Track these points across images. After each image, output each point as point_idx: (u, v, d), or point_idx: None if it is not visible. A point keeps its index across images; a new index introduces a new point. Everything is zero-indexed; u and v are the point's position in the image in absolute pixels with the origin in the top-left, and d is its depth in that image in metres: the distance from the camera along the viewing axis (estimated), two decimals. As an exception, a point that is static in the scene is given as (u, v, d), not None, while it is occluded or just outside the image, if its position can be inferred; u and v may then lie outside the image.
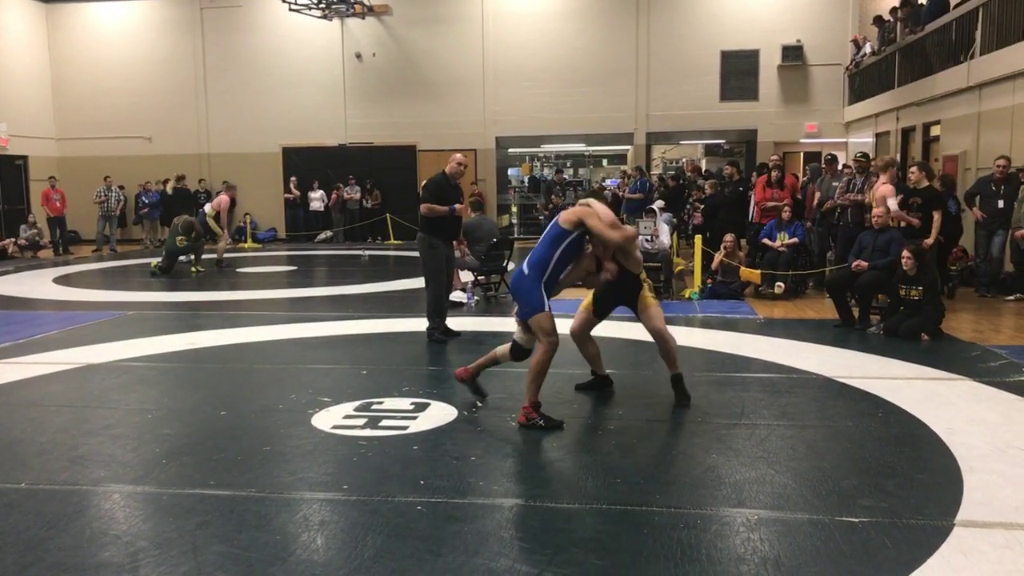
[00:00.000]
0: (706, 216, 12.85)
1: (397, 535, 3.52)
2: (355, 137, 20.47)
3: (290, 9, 18.82)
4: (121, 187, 19.18)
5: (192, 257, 13.83)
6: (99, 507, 3.92)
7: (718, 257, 10.39)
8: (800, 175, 13.09)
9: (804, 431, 4.93)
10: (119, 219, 19.45)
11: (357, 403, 5.53)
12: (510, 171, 21.39)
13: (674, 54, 19.23)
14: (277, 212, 20.74)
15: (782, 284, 10.02)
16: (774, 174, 10.94)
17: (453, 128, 19.70)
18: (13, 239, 17.96)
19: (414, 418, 5.19)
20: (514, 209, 21.21)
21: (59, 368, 6.69)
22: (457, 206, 7.51)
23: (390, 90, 20.21)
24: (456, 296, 9.72)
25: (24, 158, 20.14)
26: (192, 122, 21.01)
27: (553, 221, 5.21)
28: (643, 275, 5.53)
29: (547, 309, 4.99)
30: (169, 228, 14.11)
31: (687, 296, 10.12)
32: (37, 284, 12.78)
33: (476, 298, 9.98)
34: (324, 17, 19.38)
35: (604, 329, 8.17)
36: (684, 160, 19.80)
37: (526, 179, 21.38)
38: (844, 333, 7.87)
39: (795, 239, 10.30)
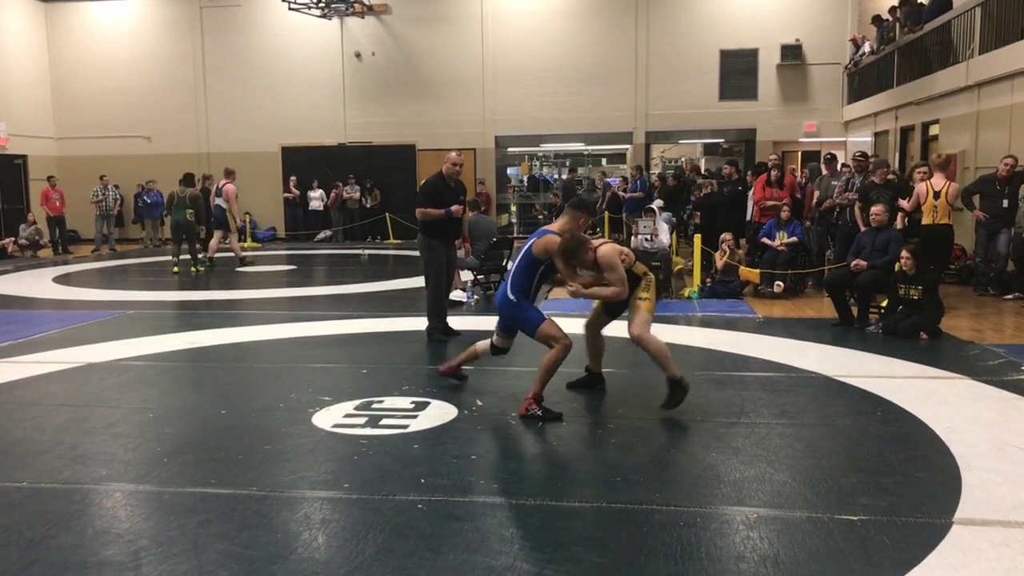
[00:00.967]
0: (700, 215, 12.87)
1: (398, 533, 3.53)
2: (354, 136, 20.48)
3: (289, 8, 18.82)
4: (116, 186, 19.15)
5: (189, 256, 13.78)
6: (100, 506, 3.93)
7: (721, 257, 10.40)
8: (798, 174, 13.09)
9: (803, 430, 4.94)
10: (117, 218, 19.43)
11: (357, 402, 5.54)
12: (509, 170, 21.40)
13: (673, 53, 19.24)
14: (276, 211, 20.75)
15: (781, 283, 10.04)
16: (773, 173, 10.95)
17: (452, 127, 19.71)
18: (13, 238, 17.97)
19: (414, 417, 5.20)
20: (513, 208, 21.22)
21: (59, 367, 6.70)
22: (454, 208, 7.48)
23: (389, 89, 20.21)
24: (456, 295, 9.73)
25: (23, 157, 20.14)
26: (191, 121, 21.01)
27: (528, 245, 5.30)
28: (643, 270, 5.40)
29: (546, 318, 5.23)
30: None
31: (686, 295, 10.13)
32: (37, 283, 12.79)
33: (476, 297, 9.99)
34: (323, 16, 19.39)
35: (603, 328, 8.21)
36: (683, 159, 19.80)
37: (525, 178, 21.39)
38: (843, 332, 7.88)
39: (794, 238, 10.31)
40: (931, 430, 4.85)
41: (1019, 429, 4.86)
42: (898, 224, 9.23)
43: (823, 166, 11.54)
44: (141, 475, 4.29)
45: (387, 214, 19.64)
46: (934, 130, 13.57)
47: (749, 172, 12.64)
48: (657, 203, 11.70)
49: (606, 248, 5.20)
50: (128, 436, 4.95)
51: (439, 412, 5.30)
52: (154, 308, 10.06)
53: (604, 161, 22.44)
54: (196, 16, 20.75)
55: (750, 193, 11.56)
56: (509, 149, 20.87)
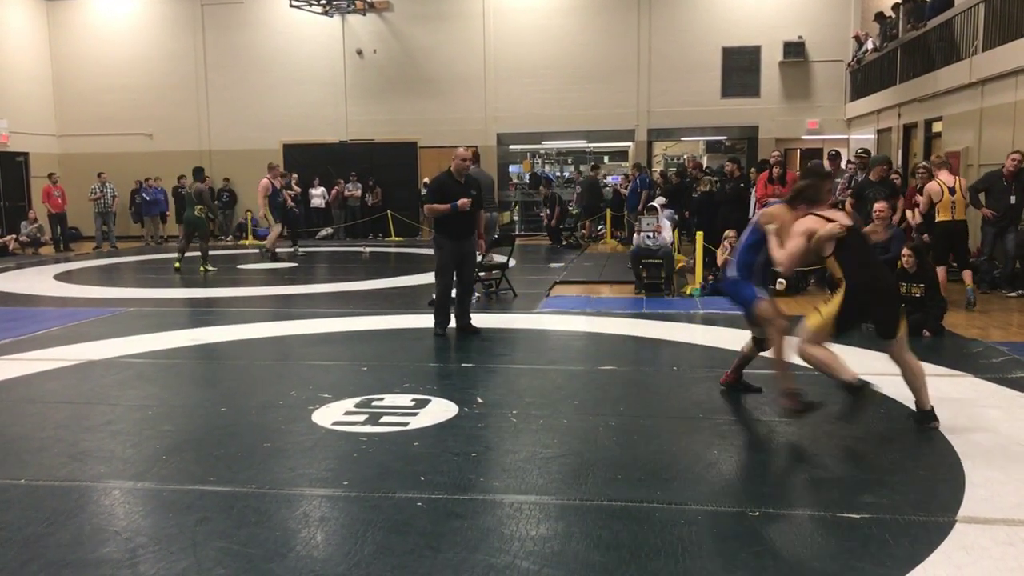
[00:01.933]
0: (701, 213, 12.83)
1: (397, 531, 3.51)
2: (356, 134, 20.45)
3: (291, 5, 18.79)
4: (111, 185, 19.05)
5: (200, 253, 13.74)
6: (99, 503, 3.92)
7: (722, 254, 10.37)
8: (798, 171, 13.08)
9: (805, 427, 4.91)
10: (116, 215, 19.39)
11: (358, 399, 5.52)
12: (511, 168, 21.34)
13: (675, 50, 19.19)
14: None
15: (783, 280, 9.99)
16: (775, 171, 10.91)
17: (454, 125, 19.67)
18: (14, 235, 17.97)
19: (415, 414, 5.18)
20: (515, 206, 21.18)
21: (59, 364, 6.68)
22: (460, 202, 7.40)
23: (391, 87, 20.18)
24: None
25: (25, 155, 20.12)
26: (193, 119, 20.98)
27: (752, 224, 5.18)
28: (839, 276, 4.75)
29: (762, 296, 5.06)
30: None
31: (689, 293, 10.11)
32: (38, 281, 12.78)
33: (478, 295, 9.95)
34: (325, 13, 19.35)
35: (605, 326, 8.20)
36: (685, 156, 19.76)
37: (527, 176, 21.35)
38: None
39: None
40: (935, 428, 4.82)
41: (1023, 427, 4.83)
42: (915, 220, 9.22)
43: (826, 163, 11.49)
44: (140, 472, 4.27)
45: (388, 211, 19.61)
46: (937, 127, 13.52)
47: (752, 169, 12.60)
48: (659, 200, 11.67)
49: (811, 219, 4.78)
50: (127, 433, 4.93)
51: (440, 410, 5.27)
52: (155, 305, 10.04)
53: (607, 159, 22.38)
54: (197, 13, 20.72)
55: (752, 190, 11.53)
56: (511, 146, 20.84)
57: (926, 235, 9.43)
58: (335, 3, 18.92)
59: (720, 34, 18.97)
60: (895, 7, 15.98)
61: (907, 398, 5.39)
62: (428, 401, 5.47)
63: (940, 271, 8.80)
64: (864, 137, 17.11)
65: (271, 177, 14.75)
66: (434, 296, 7.89)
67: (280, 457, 4.47)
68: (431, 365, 6.78)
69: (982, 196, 9.71)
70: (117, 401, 5.65)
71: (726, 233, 10.55)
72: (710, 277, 10.33)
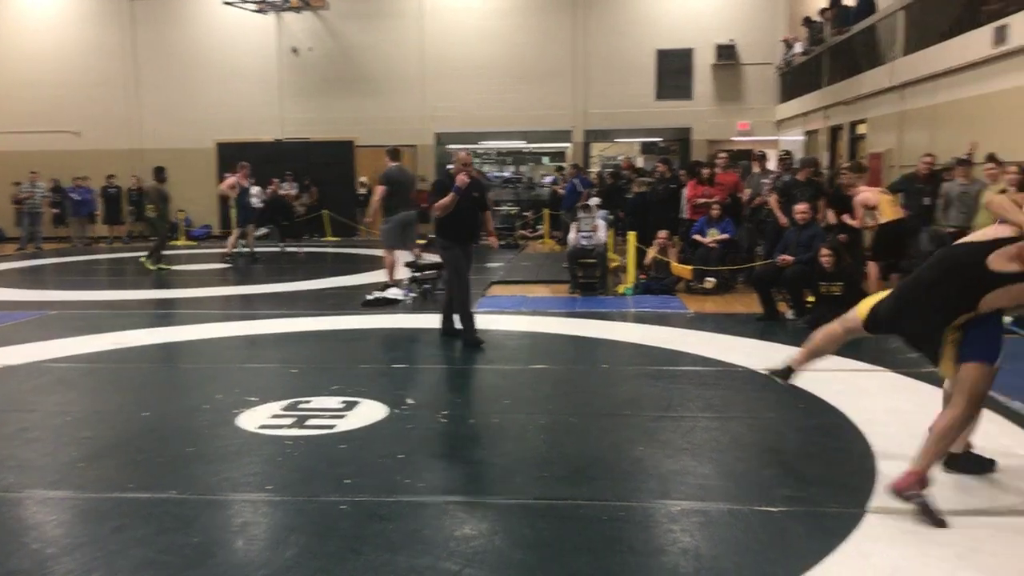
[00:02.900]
0: (635, 214, 12.97)
1: (320, 535, 3.49)
2: (292, 133, 20.17)
3: (224, 2, 18.44)
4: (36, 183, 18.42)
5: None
6: (7, 514, 3.80)
7: (651, 252, 10.53)
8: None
9: (728, 423, 5.03)
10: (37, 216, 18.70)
11: (285, 402, 5.45)
12: (449, 167, 21.25)
13: (611, 52, 19.38)
14: (211, 209, 20.30)
15: (712, 279, 10.19)
16: (704, 172, 11.11)
17: (392, 123, 19.52)
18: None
19: (342, 416, 5.13)
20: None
21: (-26, 370, 6.45)
22: (459, 178, 7.10)
23: (327, 85, 19.95)
24: (392, 293, 9.67)
25: (-59, 152, 19.34)
26: (123, 116, 20.41)
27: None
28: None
29: (995, 365, 3.68)
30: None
31: (620, 291, 10.23)
32: (-45, 284, 12.29)
33: (413, 294, 9.90)
34: (259, 11, 19.03)
35: (540, 325, 8.25)
36: (621, 158, 19.97)
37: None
38: (772, 327, 8.03)
39: (726, 235, 10.48)
40: (851, 422, 4.97)
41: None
42: (862, 223, 9.28)
43: (753, 164, 11.75)
44: (54, 481, 4.15)
45: (324, 211, 19.38)
46: (862, 129, 13.93)
47: (683, 171, 12.80)
48: (594, 200, 11.75)
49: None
50: (43, 441, 4.79)
51: (368, 412, 5.24)
52: (80, 308, 9.74)
53: (545, 159, 22.46)
54: (125, 7, 20.18)
55: (683, 191, 11.71)
56: (449, 146, 20.78)
57: (842, 235, 9.65)
58: (269, 0, 18.62)
59: (655, 37, 19.21)
60: (822, 12, 16.40)
61: (829, 392, 5.55)
62: (357, 403, 5.43)
63: (872, 267, 9.01)
64: (793, 139, 17.53)
65: (241, 176, 14.48)
66: (452, 301, 7.47)
67: (203, 462, 4.40)
68: (363, 367, 6.72)
69: (899, 196, 10.03)
70: (34, 407, 5.48)
71: (658, 233, 10.72)
72: (642, 276, 10.47)
